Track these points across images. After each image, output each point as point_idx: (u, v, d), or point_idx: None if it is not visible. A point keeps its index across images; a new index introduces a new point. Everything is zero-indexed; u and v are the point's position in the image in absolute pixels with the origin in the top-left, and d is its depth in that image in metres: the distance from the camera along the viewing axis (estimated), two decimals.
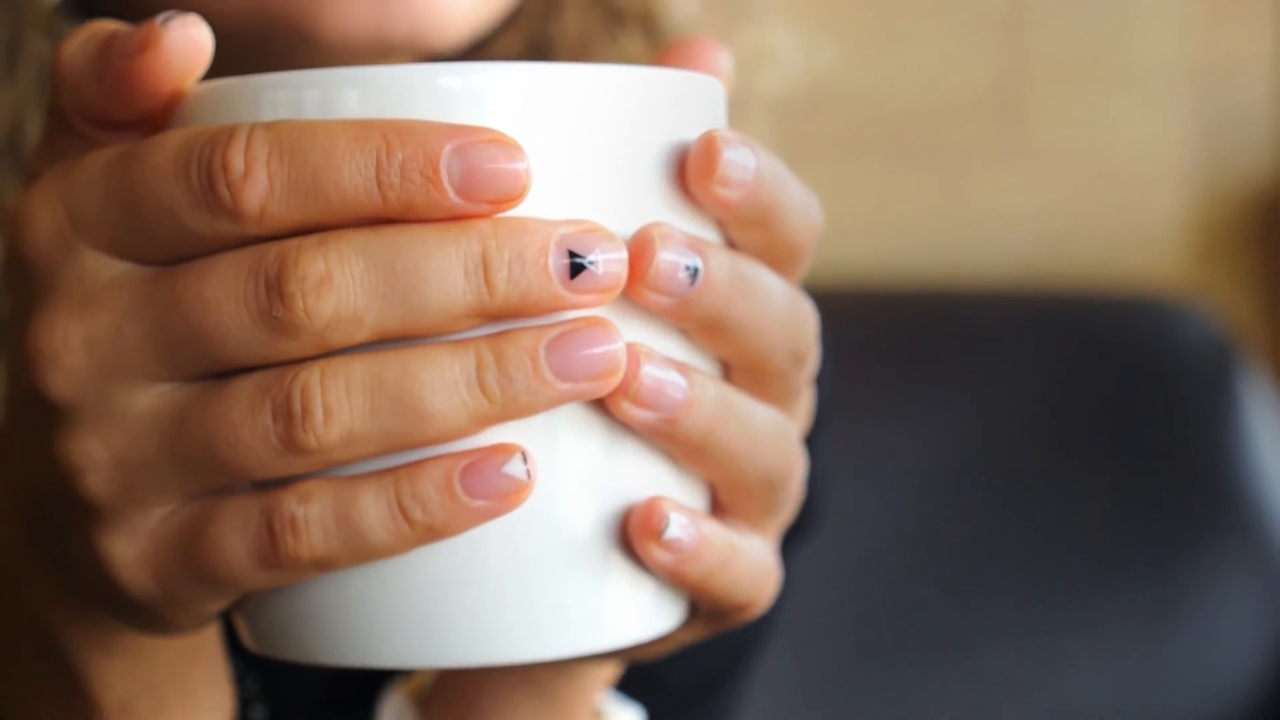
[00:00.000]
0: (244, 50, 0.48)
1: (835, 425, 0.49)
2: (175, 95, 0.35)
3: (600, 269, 0.33)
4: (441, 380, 0.33)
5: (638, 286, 0.34)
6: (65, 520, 0.36)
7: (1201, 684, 0.96)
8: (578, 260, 0.33)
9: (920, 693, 0.97)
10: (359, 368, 0.33)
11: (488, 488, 0.33)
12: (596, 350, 0.33)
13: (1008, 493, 1.00)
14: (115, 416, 0.34)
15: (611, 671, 0.48)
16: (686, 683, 0.58)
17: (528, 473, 0.33)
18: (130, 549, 0.35)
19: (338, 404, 0.33)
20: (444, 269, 0.32)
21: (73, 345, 0.34)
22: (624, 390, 0.34)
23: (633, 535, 0.36)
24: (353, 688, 0.54)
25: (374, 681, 0.52)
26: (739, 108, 0.40)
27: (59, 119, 0.36)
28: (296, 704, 0.54)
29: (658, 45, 0.59)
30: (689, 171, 0.35)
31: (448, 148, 0.32)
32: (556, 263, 0.33)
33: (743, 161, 0.35)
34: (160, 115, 0.35)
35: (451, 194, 0.32)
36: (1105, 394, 1.02)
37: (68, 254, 0.35)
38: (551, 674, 0.46)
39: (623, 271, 0.33)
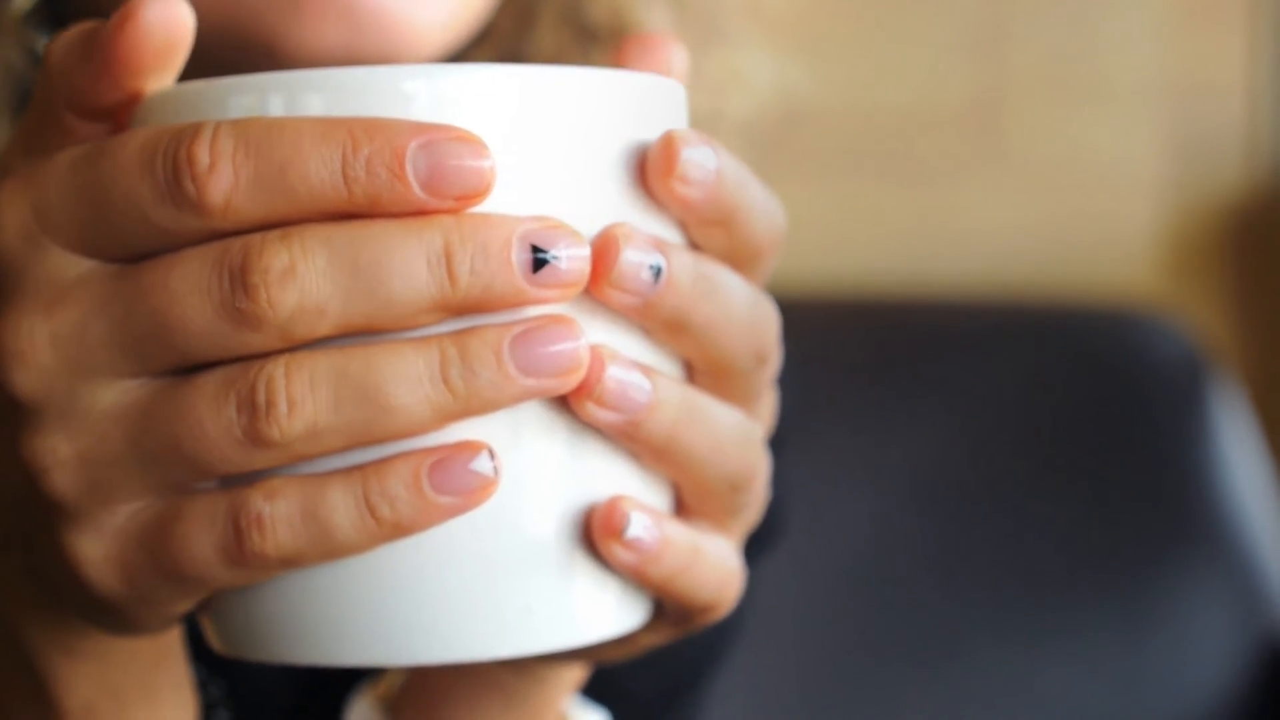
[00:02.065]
0: (213, 65, 0.48)
1: (794, 442, 0.49)
2: (158, 64, 0.35)
3: (563, 264, 0.33)
4: (404, 374, 0.33)
5: (601, 285, 0.35)
6: (32, 521, 0.36)
7: (1174, 693, 0.97)
8: (541, 255, 0.33)
9: (895, 701, 0.97)
10: (323, 361, 0.33)
11: (455, 484, 0.33)
12: (559, 347, 0.33)
13: (983, 502, 1.00)
14: (81, 413, 0.34)
15: (578, 675, 0.48)
16: (647, 692, 0.58)
17: (495, 469, 0.34)
18: (97, 547, 0.35)
19: (301, 396, 0.33)
20: (407, 262, 0.33)
21: (39, 343, 0.34)
22: (588, 392, 0.35)
23: (595, 534, 0.36)
24: (318, 692, 0.54)
25: (339, 686, 0.52)
26: (711, 128, 0.41)
27: (41, 116, 0.36)
28: (261, 709, 0.54)
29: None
30: (649, 169, 0.36)
31: (413, 144, 0.32)
32: (519, 257, 0.33)
33: (702, 160, 0.35)
34: (126, 115, 0.36)
35: (416, 189, 0.32)
36: (1079, 405, 1.02)
37: (34, 252, 0.35)
38: (518, 678, 0.46)
39: (585, 267, 0.34)
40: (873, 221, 1.19)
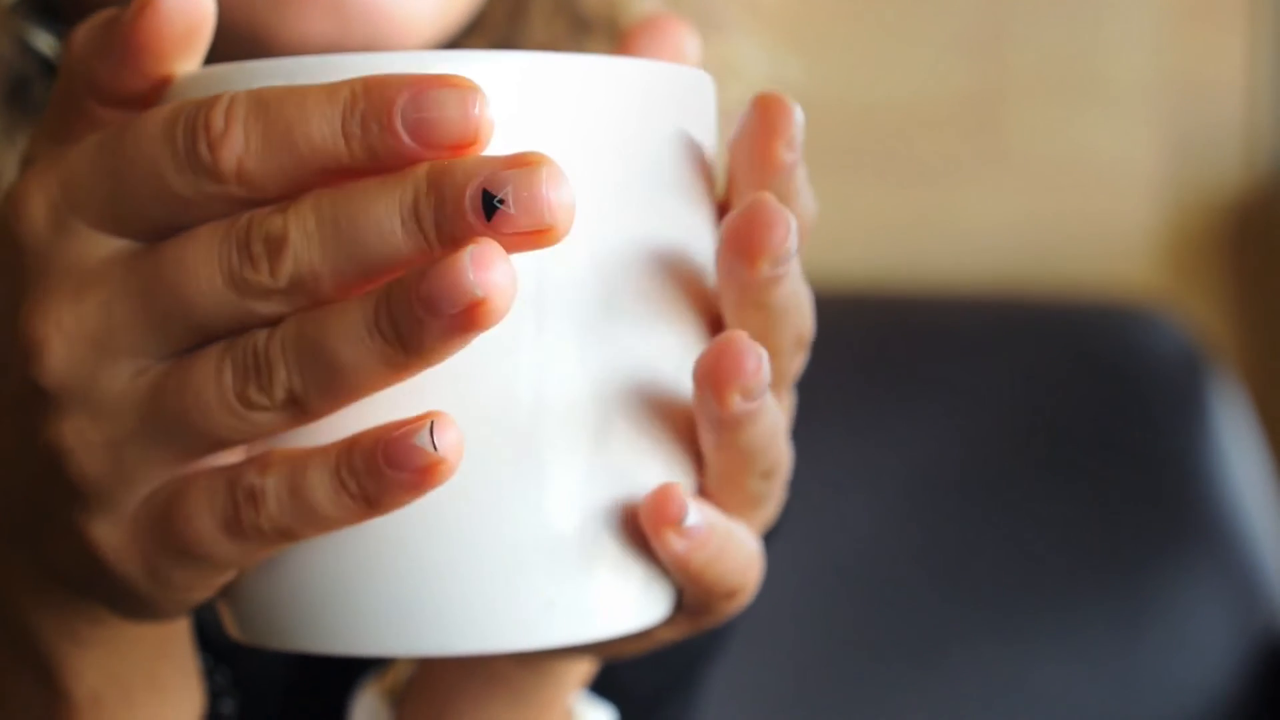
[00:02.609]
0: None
1: (792, 440, 0.50)
2: (180, 50, 0.35)
3: (512, 206, 0.31)
4: (346, 330, 0.32)
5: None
6: (48, 508, 0.36)
7: (1172, 692, 0.97)
8: (491, 198, 0.31)
9: (894, 701, 0.97)
10: (292, 324, 0.33)
11: (405, 460, 0.33)
12: (450, 280, 0.31)
13: (981, 500, 1.00)
14: (104, 394, 0.34)
15: (586, 671, 0.48)
16: (645, 688, 0.58)
17: (436, 445, 0.32)
18: (117, 532, 0.35)
19: (275, 360, 0.33)
20: (382, 219, 0.32)
21: (66, 328, 0.34)
22: (740, 383, 0.34)
23: (649, 523, 0.36)
24: (322, 681, 0.54)
25: (344, 676, 0.52)
26: None
27: (66, 105, 0.36)
28: (266, 697, 0.54)
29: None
30: (761, 129, 0.36)
31: (404, 95, 0.32)
32: (472, 202, 0.31)
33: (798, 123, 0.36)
34: (152, 100, 0.36)
35: (406, 139, 0.32)
36: (1078, 401, 1.02)
37: (61, 234, 0.35)
38: (526, 673, 0.46)
39: (543, 207, 0.31)
40: (871, 220, 1.19)
